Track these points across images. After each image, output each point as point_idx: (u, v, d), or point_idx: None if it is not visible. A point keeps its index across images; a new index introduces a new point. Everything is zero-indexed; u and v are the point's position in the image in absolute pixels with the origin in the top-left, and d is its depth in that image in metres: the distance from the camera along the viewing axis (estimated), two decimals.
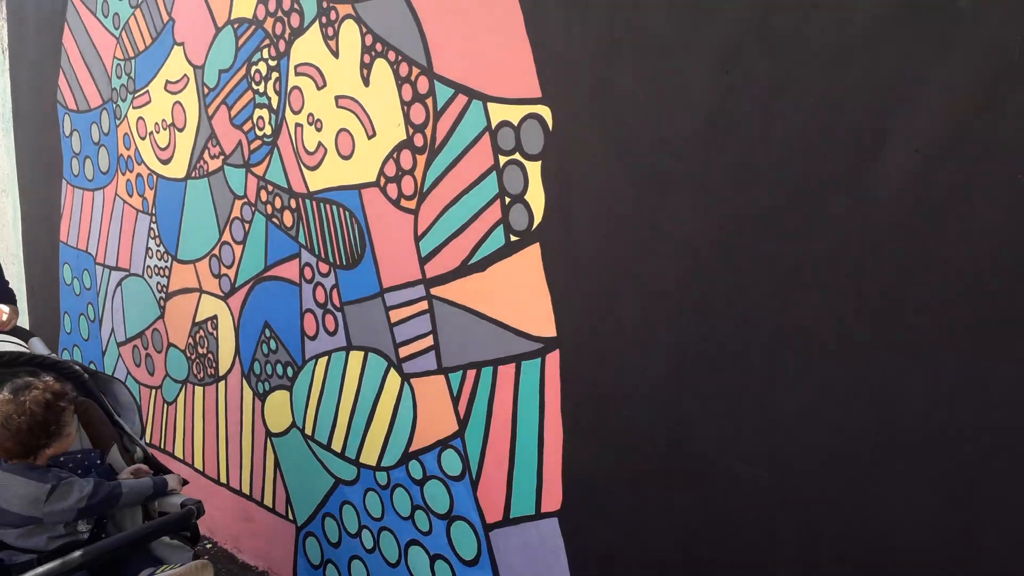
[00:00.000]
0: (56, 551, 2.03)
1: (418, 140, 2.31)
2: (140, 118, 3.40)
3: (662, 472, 1.89)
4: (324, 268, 2.67)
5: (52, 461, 2.17)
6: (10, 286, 2.94)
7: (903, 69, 1.45)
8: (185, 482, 2.37)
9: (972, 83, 1.38)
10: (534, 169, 2.05)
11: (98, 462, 2.31)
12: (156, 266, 3.42)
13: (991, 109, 1.36)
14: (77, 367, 2.44)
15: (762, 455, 1.72)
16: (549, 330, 2.08)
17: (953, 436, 1.45)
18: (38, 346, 2.59)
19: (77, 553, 1.95)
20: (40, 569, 1.90)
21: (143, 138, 3.39)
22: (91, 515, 2.11)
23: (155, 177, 3.36)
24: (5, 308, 2.69)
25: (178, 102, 3.18)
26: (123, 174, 3.55)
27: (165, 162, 3.29)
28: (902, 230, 1.48)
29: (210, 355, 3.21)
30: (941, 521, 1.48)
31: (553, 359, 2.09)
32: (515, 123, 2.07)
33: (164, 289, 3.40)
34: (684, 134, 1.77)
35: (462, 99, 2.18)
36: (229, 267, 3.05)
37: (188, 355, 3.33)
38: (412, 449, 2.49)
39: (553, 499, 2.14)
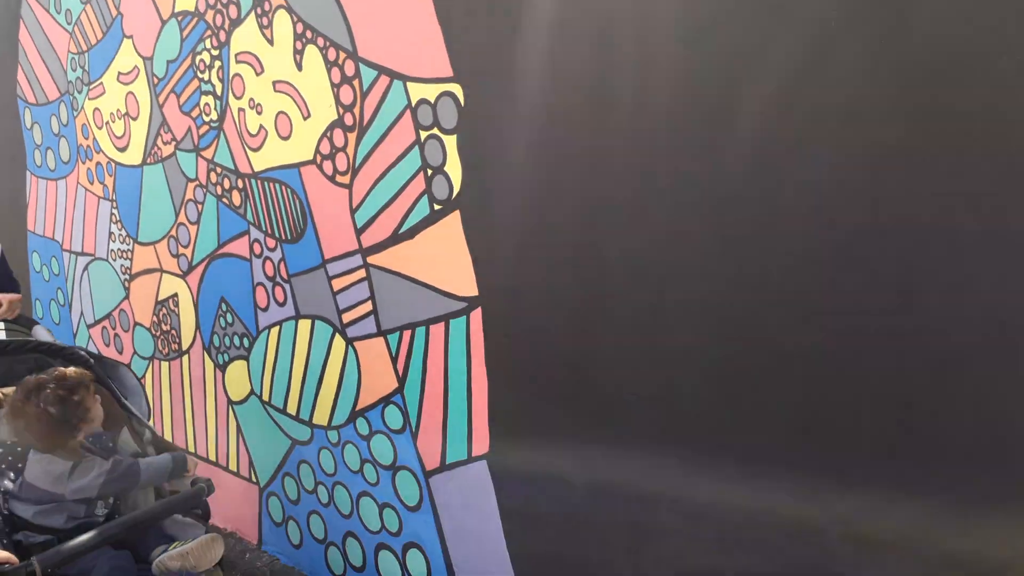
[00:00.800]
0: (72, 531, 2.04)
1: (348, 119, 2.47)
2: (96, 109, 3.53)
3: (569, 412, 2.09)
4: (271, 243, 2.84)
5: None
6: (13, 275, 2.91)
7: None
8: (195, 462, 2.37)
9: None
10: (451, 142, 2.22)
11: (110, 444, 2.32)
12: (119, 249, 3.57)
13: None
14: (83, 352, 2.45)
15: (650, 390, 1.92)
16: (472, 290, 2.27)
17: (802, 357, 1.66)
18: (42, 333, 2.59)
19: (93, 532, 1.96)
20: (62, 547, 1.92)
21: (100, 128, 3.54)
22: (111, 492, 2.13)
23: (113, 164, 3.51)
24: (5, 296, 2.65)
25: (131, 92, 3.32)
26: (83, 163, 3.69)
27: (122, 150, 3.44)
28: (752, 186, 1.68)
29: (173, 331, 3.38)
30: (796, 433, 1.69)
31: (476, 316, 2.28)
32: (432, 100, 2.24)
33: (128, 271, 3.55)
34: (574, 109, 1.95)
35: (385, 80, 2.35)
36: (186, 247, 3.21)
37: (153, 332, 3.50)
38: (358, 407, 2.68)
39: (482, 443, 2.34)
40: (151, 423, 2.47)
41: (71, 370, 2.21)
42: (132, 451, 2.35)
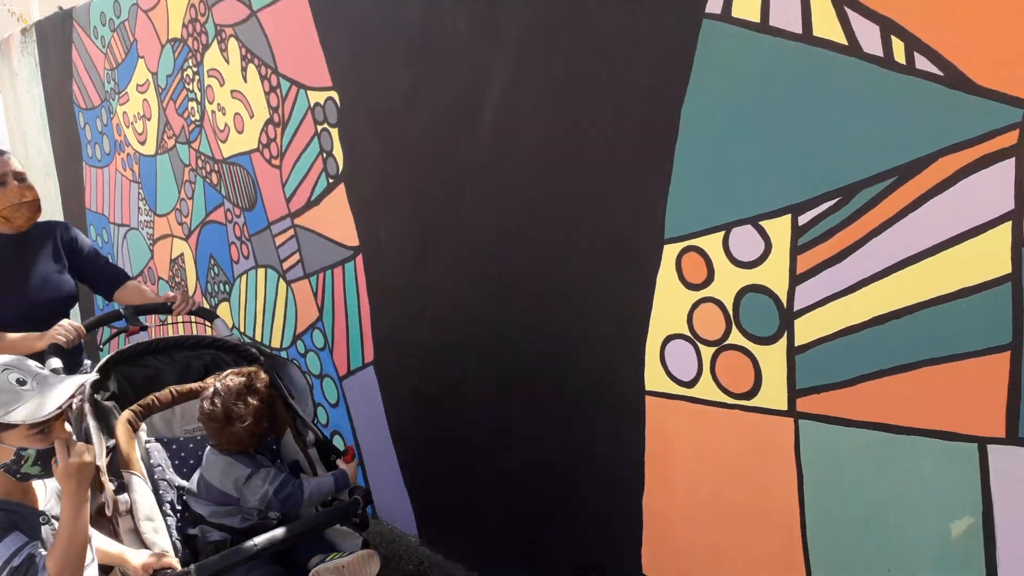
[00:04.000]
0: (246, 531, 2.00)
1: (275, 117, 3.27)
2: (124, 112, 4.45)
3: (416, 322, 2.86)
4: (237, 212, 3.68)
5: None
6: (112, 262, 3.02)
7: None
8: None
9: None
10: (335, 133, 2.99)
11: (274, 447, 2.28)
12: (145, 220, 4.50)
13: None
14: (255, 350, 2.44)
15: (449, 307, 2.67)
16: (355, 241, 3.05)
17: (549, 287, 2.38)
18: (221, 327, 2.59)
19: (262, 538, 1.91)
20: (220, 556, 1.87)
21: (128, 127, 4.45)
22: (272, 510, 2.06)
23: (138, 155, 4.42)
24: (174, 292, 2.73)
25: (145, 99, 4.21)
26: (118, 154, 4.62)
27: (142, 144, 4.35)
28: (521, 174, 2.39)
29: (182, 282, 4.28)
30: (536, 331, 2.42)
31: (359, 261, 3.06)
32: (322, 103, 3.01)
33: (151, 237, 4.48)
34: (408, 110, 2.69)
35: (295, 88, 3.13)
36: (186, 216, 4.10)
37: (170, 284, 4.41)
38: (297, 332, 3.50)
39: (370, 354, 3.13)
40: (311, 424, 2.34)
41: (262, 380, 2.17)
42: (291, 459, 2.28)
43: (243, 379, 2.13)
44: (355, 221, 3.02)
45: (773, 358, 1.84)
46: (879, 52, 1.57)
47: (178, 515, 2.10)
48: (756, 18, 1.74)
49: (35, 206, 2.64)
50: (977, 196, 1.49)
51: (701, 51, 1.85)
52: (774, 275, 1.81)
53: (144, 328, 2.59)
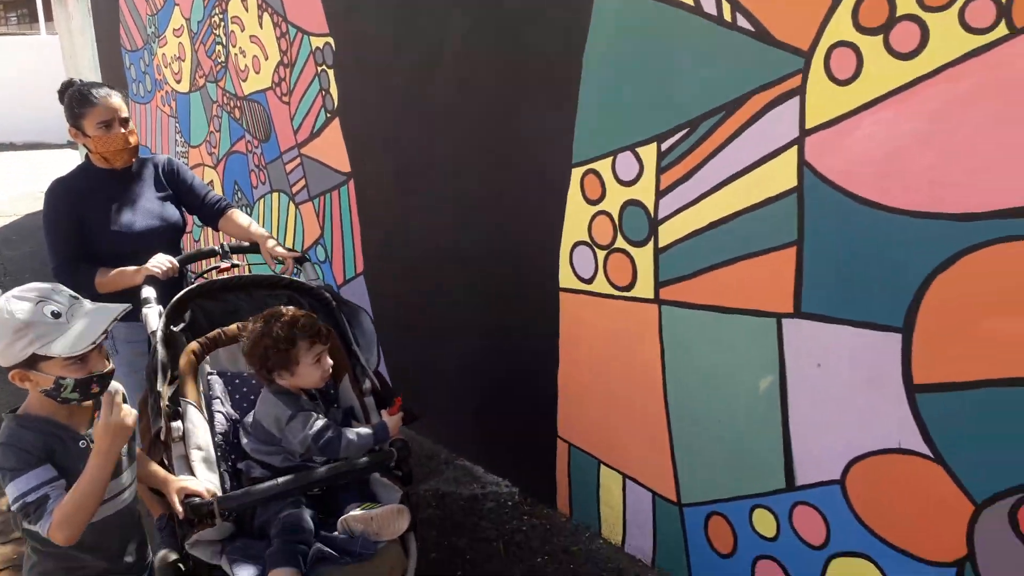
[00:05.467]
0: (286, 470, 1.97)
1: (285, 59, 3.77)
2: (163, 54, 4.99)
3: (398, 239, 3.38)
4: (255, 143, 4.21)
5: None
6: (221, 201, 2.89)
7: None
8: (412, 416, 2.19)
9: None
10: (331, 73, 3.48)
11: (332, 391, 2.24)
12: (181, 151, 5.07)
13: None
14: (328, 294, 2.41)
15: (439, 220, 3.18)
16: (348, 168, 3.56)
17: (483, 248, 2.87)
18: (309, 271, 2.55)
19: (286, 478, 1.90)
20: (243, 491, 1.87)
21: (166, 67, 5.00)
22: (311, 455, 2.01)
23: (174, 93, 4.98)
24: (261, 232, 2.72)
25: (180, 43, 4.74)
26: (159, 92, 5.18)
27: (178, 83, 4.89)
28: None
29: None
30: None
31: (351, 186, 3.57)
32: (321, 47, 3.50)
33: (187, 165, 5.05)
34: (394, 55, 3.16)
35: (300, 35, 3.62)
36: (214, 147, 4.65)
37: None
38: (304, 248, 4.05)
39: (360, 265, 3.67)
40: (371, 372, 2.30)
41: (303, 319, 2.06)
42: (347, 405, 2.24)
43: (282, 314, 2.06)
44: (348, 151, 3.53)
45: (644, 258, 2.32)
46: (714, 12, 2.00)
47: (230, 448, 2.11)
48: None
49: (135, 151, 2.62)
50: (775, 126, 1.92)
51: (596, 12, 2.28)
52: (645, 191, 2.27)
53: (236, 266, 2.61)
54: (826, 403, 1.96)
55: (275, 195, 4.17)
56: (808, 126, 1.86)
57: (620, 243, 2.38)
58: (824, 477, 2.00)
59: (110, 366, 1.66)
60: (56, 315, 1.57)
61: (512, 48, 2.59)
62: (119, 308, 1.64)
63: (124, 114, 2.55)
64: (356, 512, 1.88)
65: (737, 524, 2.25)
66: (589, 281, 2.52)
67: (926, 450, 1.79)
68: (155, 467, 1.91)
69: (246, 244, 2.71)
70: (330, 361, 2.08)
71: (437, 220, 3.11)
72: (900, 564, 1.89)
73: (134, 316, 2.07)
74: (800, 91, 1.86)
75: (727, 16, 1.97)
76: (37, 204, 9.36)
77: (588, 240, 2.48)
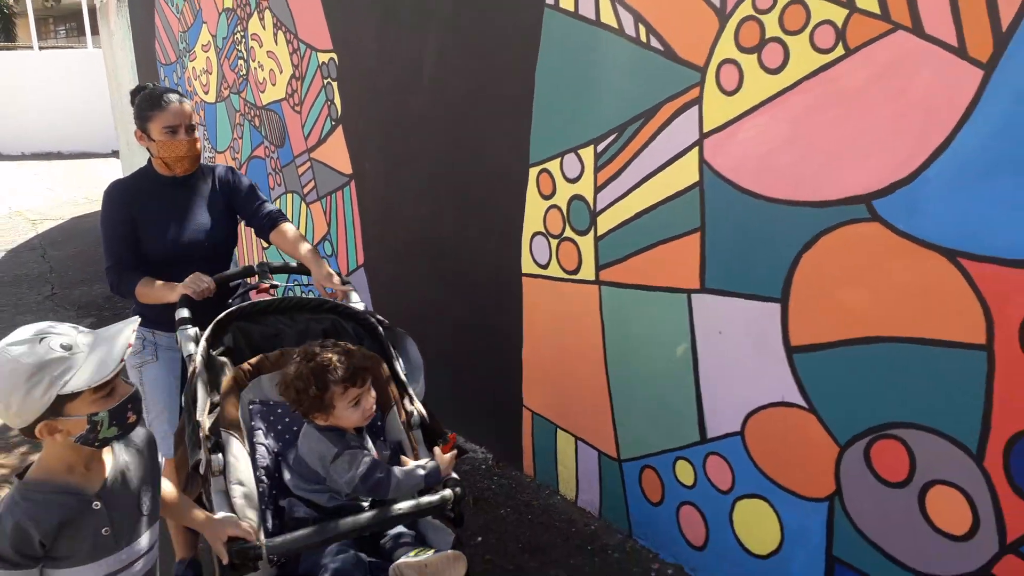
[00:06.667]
0: (332, 511, 1.87)
1: (297, 73, 4.20)
2: (193, 67, 5.48)
3: (390, 231, 3.78)
4: (272, 148, 4.65)
5: None
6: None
7: None
8: (463, 452, 2.11)
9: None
10: (336, 86, 3.90)
11: (379, 423, 2.11)
12: (208, 157, 5.55)
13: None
14: (374, 320, 2.28)
15: (419, 213, 3.57)
16: (350, 170, 3.97)
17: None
18: (354, 297, 2.42)
19: (343, 523, 1.77)
20: (294, 537, 1.73)
21: (196, 79, 5.49)
22: (358, 495, 1.90)
23: (203, 103, 5.46)
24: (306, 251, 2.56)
25: (208, 57, 5.22)
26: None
27: (206, 94, 5.37)
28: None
29: None
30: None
31: (352, 185, 3.98)
32: (327, 62, 3.92)
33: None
34: (389, 71, 3.57)
35: (309, 51, 4.05)
36: (237, 152, 5.11)
37: None
38: (313, 244, 4.47)
39: (361, 258, 4.07)
40: (419, 403, 2.16)
41: (355, 354, 1.96)
42: (395, 439, 2.10)
43: (326, 351, 1.93)
44: (349, 154, 3.94)
45: (587, 245, 2.67)
46: (634, 34, 2.35)
47: (272, 482, 1.98)
48: (572, 8, 2.53)
49: (197, 159, 2.58)
50: (681, 130, 2.27)
51: (544, 35, 2.65)
52: (586, 187, 2.63)
53: (275, 287, 2.52)
54: (727, 365, 2.30)
55: (289, 196, 4.60)
56: (705, 130, 2.21)
57: (568, 232, 2.74)
58: (728, 430, 2.34)
59: (133, 386, 1.51)
60: (67, 347, 1.39)
61: (478, 66, 2.97)
62: (130, 323, 1.49)
63: (192, 121, 2.54)
64: (409, 559, 1.75)
65: (664, 475, 2.59)
66: (545, 267, 2.88)
67: (802, 402, 2.12)
68: (194, 508, 1.75)
69: (292, 264, 2.62)
70: (372, 401, 1.95)
71: (417, 215, 3.50)
72: (788, 502, 2.22)
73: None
74: (699, 101, 2.21)
75: (643, 37, 2.33)
76: (81, 209, 10.04)
77: (544, 230, 2.85)
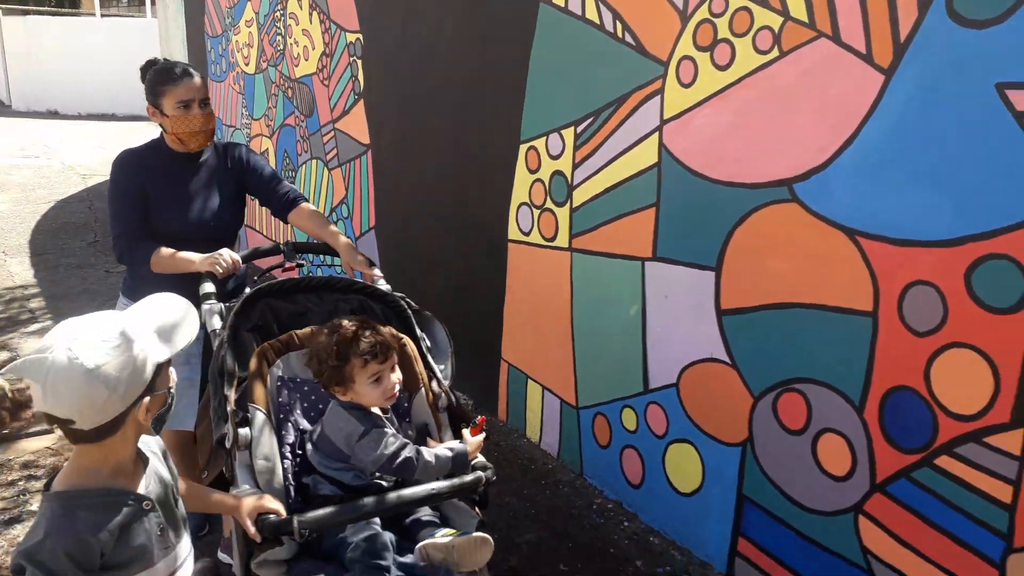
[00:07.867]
0: (357, 489, 1.85)
1: (327, 50, 4.51)
2: (236, 40, 5.82)
3: (399, 196, 4.08)
4: (302, 118, 4.97)
5: None
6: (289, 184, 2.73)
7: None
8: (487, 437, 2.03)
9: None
10: (360, 63, 4.20)
11: (406, 404, 2.07)
12: (245, 123, 5.89)
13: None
14: (403, 302, 2.25)
15: (425, 182, 3.87)
16: (367, 140, 4.27)
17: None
18: (381, 282, 2.36)
19: (370, 503, 1.74)
20: (325, 513, 1.71)
21: (238, 52, 5.83)
22: (383, 474, 1.87)
23: (243, 74, 5.80)
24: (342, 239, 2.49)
25: (250, 32, 5.55)
26: (231, 72, 6.02)
27: (247, 65, 5.71)
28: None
29: None
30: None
31: (369, 154, 4.29)
32: (353, 42, 4.23)
33: (248, 136, 5.87)
34: (390, 49, 3.86)
35: (338, 30, 4.35)
36: (271, 120, 5.45)
37: None
38: (333, 206, 4.79)
39: (372, 220, 4.38)
40: (447, 385, 2.11)
41: (384, 333, 1.92)
42: (421, 421, 2.06)
43: (353, 326, 1.89)
44: (368, 126, 4.24)
45: (564, 215, 2.95)
46: (612, 29, 2.62)
47: (297, 459, 1.95)
48: (563, 4, 2.80)
49: (211, 135, 2.50)
50: (646, 116, 2.54)
51: (539, 27, 2.93)
52: (566, 164, 2.90)
53: (301, 266, 2.50)
54: (670, 325, 2.57)
55: (314, 162, 4.92)
56: (665, 117, 2.48)
57: (548, 204, 3.02)
58: (666, 381, 2.61)
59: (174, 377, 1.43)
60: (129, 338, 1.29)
61: (484, 52, 3.25)
62: (176, 296, 1.45)
63: (205, 95, 2.45)
64: (435, 540, 1.73)
65: (612, 421, 2.87)
66: (527, 234, 3.16)
67: (727, 358, 2.38)
68: (214, 492, 1.73)
69: (314, 244, 2.57)
70: (395, 380, 1.90)
71: (423, 183, 3.80)
72: (710, 446, 2.49)
73: (195, 301, 1.90)
74: (661, 91, 2.48)
75: (619, 33, 2.59)
76: None
77: (528, 201, 3.13)
